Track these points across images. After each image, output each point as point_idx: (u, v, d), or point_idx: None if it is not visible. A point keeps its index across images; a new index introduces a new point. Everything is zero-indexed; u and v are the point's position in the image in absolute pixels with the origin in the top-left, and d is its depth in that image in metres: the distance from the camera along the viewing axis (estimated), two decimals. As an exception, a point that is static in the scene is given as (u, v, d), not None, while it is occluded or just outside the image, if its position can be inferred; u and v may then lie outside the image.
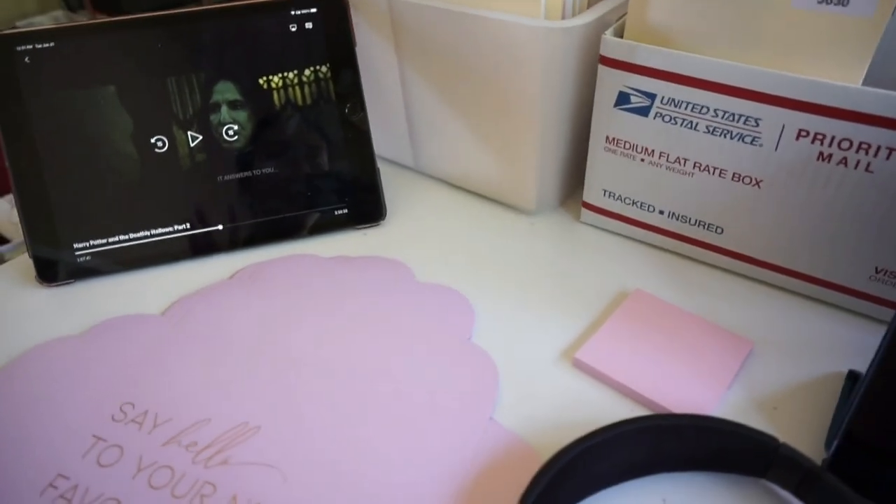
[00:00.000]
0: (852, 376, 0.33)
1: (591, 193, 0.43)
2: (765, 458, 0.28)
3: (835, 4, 0.30)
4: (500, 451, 0.30)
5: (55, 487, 0.29)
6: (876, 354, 0.27)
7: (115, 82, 0.41)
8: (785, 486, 0.28)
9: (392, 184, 0.50)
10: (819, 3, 0.30)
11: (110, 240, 0.42)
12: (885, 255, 0.34)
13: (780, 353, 0.35)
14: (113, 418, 0.33)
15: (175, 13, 0.41)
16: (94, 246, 0.41)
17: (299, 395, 0.33)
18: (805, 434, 0.31)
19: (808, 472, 0.27)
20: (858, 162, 0.32)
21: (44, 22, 2.76)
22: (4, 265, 0.44)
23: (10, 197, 1.76)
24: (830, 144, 0.32)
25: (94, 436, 0.32)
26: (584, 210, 0.44)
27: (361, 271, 0.41)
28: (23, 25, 2.73)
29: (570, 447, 0.27)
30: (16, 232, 1.60)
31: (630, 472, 0.29)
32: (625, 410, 0.33)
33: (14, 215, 1.68)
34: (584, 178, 0.43)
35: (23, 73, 0.39)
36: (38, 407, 0.33)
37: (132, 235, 0.42)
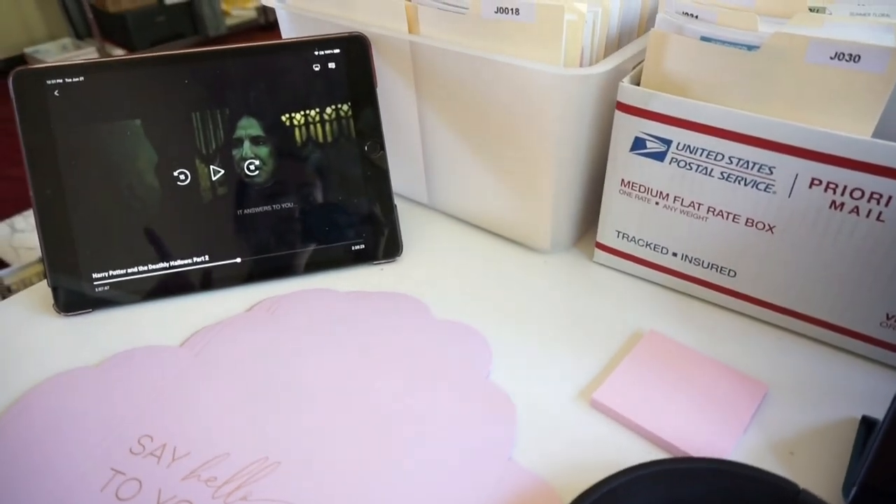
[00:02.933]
0: (866, 422, 0.33)
1: (605, 234, 0.44)
2: None
3: (847, 60, 0.31)
4: (519, 492, 0.30)
5: (73, 521, 0.29)
6: (892, 403, 0.28)
7: (141, 116, 0.41)
8: (805, 532, 0.28)
9: (407, 220, 0.50)
10: (832, 58, 0.31)
11: (129, 270, 0.42)
12: (895, 302, 0.35)
13: (794, 398, 0.36)
14: (131, 451, 0.33)
15: (202, 51, 0.42)
16: (112, 276, 0.42)
17: (318, 431, 0.33)
18: (822, 480, 0.31)
19: (829, 519, 0.27)
20: (870, 211, 0.33)
21: (51, 49, 2.78)
22: (21, 293, 0.44)
23: (10, 220, 1.76)
24: (843, 193, 0.33)
25: (112, 469, 0.32)
26: (597, 250, 0.45)
27: (379, 307, 0.41)
28: (31, 52, 2.75)
29: (591, 490, 0.28)
30: (15, 256, 1.60)
31: (651, 516, 0.29)
32: (642, 452, 0.33)
33: (14, 239, 1.68)
34: (597, 219, 0.44)
35: (52, 106, 0.40)
36: (55, 439, 0.33)
37: (151, 266, 0.42)
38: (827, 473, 0.32)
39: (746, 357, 0.38)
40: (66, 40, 2.78)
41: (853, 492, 0.28)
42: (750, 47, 0.33)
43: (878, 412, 0.34)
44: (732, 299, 0.40)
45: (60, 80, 0.40)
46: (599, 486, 0.28)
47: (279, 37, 0.49)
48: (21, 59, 2.67)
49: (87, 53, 2.65)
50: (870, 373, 0.37)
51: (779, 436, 0.34)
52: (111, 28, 2.68)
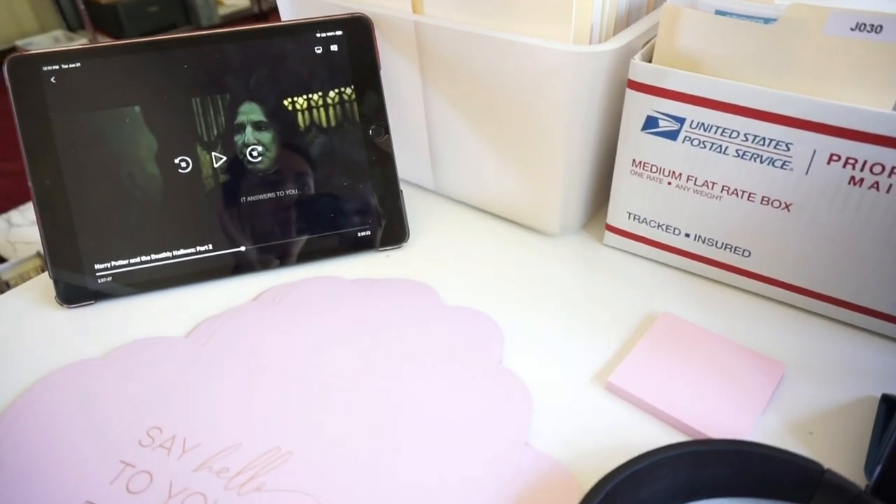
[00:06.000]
0: (887, 400, 0.33)
1: (616, 216, 0.43)
2: (809, 484, 0.28)
3: (867, 31, 0.30)
4: (538, 477, 0.30)
5: (84, 516, 0.29)
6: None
7: (140, 103, 0.40)
8: (830, 512, 0.28)
9: (413, 206, 0.50)
10: (852, 30, 0.30)
11: (132, 261, 0.41)
12: (915, 279, 0.34)
13: (812, 377, 0.35)
14: (140, 443, 0.32)
15: (201, 35, 0.41)
16: (115, 267, 0.41)
17: (330, 420, 0.33)
18: (843, 459, 0.31)
19: (855, 499, 0.27)
20: (891, 186, 0.32)
21: (43, 41, 2.76)
22: (21, 287, 0.43)
23: (6, 215, 1.75)
24: (862, 169, 0.32)
25: (121, 461, 0.31)
26: (607, 233, 0.44)
27: (388, 294, 0.41)
28: (23, 45, 2.72)
29: (613, 473, 0.27)
30: (13, 251, 1.59)
31: (672, 499, 0.29)
32: (660, 435, 0.32)
33: (12, 233, 1.67)
34: (607, 201, 0.43)
35: (48, 93, 0.39)
36: (63, 432, 0.33)
37: (154, 256, 0.41)
38: (847, 452, 0.31)
39: (762, 337, 0.38)
40: (58, 32, 2.75)
41: (877, 471, 0.28)
42: (766, 20, 0.32)
43: (898, 391, 0.34)
44: (747, 280, 0.40)
45: (57, 67, 0.39)
46: (624, 468, 0.27)
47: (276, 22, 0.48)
48: (13, 52, 2.64)
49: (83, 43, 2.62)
50: (888, 351, 0.36)
51: (797, 416, 0.33)
52: (103, 19, 2.65)
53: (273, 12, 3.12)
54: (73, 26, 2.79)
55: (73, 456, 0.31)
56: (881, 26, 0.30)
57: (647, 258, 0.44)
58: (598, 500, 0.26)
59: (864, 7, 0.31)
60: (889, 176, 0.32)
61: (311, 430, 0.32)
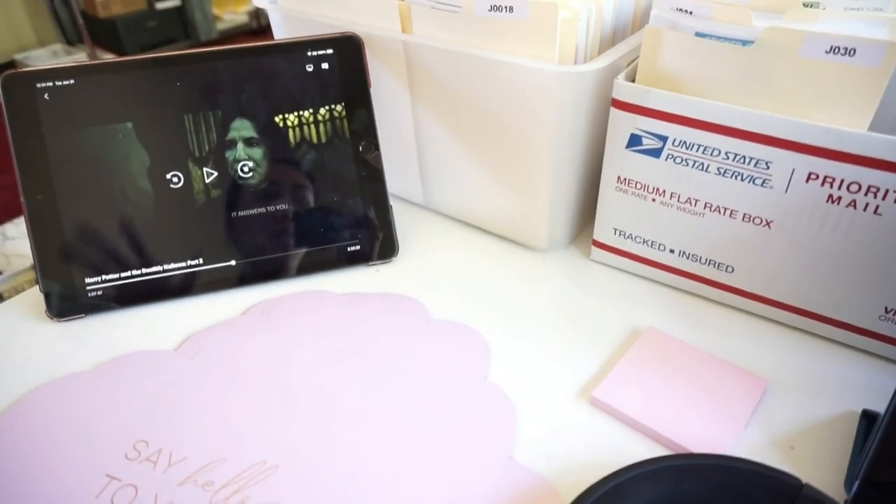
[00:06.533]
0: (867, 415, 0.33)
1: (602, 232, 0.43)
2: (788, 499, 0.28)
3: (842, 54, 0.31)
4: (520, 491, 0.30)
5: (69, 529, 0.29)
6: (893, 397, 0.28)
7: (132, 119, 0.41)
8: (808, 527, 0.28)
9: (402, 220, 0.50)
10: (827, 52, 0.31)
11: (123, 275, 0.41)
12: (894, 296, 0.35)
13: (794, 392, 0.35)
14: (126, 457, 0.32)
15: (194, 53, 0.42)
16: (105, 281, 0.41)
17: (316, 434, 0.33)
18: (823, 474, 0.31)
19: (833, 514, 0.27)
20: (867, 204, 0.33)
21: (42, 55, 2.76)
22: (12, 300, 0.44)
23: (1, 228, 1.75)
24: (839, 187, 0.33)
25: (107, 475, 0.31)
26: (594, 248, 0.45)
27: (376, 308, 0.41)
28: (21, 58, 2.72)
29: (594, 487, 0.27)
30: (7, 264, 1.59)
31: (653, 513, 0.29)
32: (643, 449, 0.33)
33: (6, 247, 1.67)
34: (594, 216, 0.44)
35: (42, 109, 0.40)
36: (49, 445, 0.33)
37: (145, 270, 0.42)
38: (828, 468, 0.32)
39: (745, 353, 0.38)
40: (57, 46, 2.77)
41: (855, 486, 0.28)
42: (745, 42, 0.33)
43: (879, 405, 0.34)
44: (730, 295, 0.40)
45: (50, 84, 0.40)
46: (606, 481, 0.28)
47: (271, 39, 0.49)
48: (11, 66, 2.65)
49: (78, 59, 2.63)
50: (869, 366, 0.37)
51: (779, 431, 0.33)
52: (102, 33, 2.67)
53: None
54: (71, 40, 2.81)
55: (60, 469, 0.32)
56: (855, 50, 0.30)
57: (633, 273, 0.44)
58: (578, 514, 0.26)
59: (838, 31, 0.31)
60: (865, 194, 0.32)
61: (296, 444, 0.32)
